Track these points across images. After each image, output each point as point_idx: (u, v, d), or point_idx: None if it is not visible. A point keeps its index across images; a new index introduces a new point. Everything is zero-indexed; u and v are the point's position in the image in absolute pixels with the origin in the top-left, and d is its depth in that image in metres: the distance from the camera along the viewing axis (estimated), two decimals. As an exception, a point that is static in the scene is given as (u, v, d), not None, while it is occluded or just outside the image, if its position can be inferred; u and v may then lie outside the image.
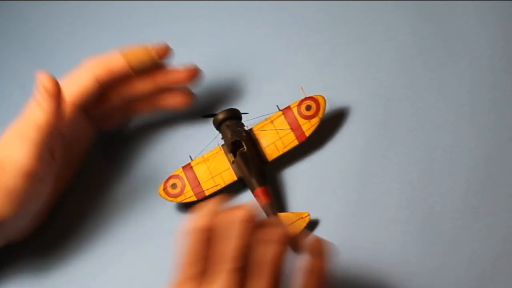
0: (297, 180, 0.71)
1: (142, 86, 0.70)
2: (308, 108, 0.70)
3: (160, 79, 0.70)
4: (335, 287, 0.67)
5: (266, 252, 0.55)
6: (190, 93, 0.71)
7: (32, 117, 0.64)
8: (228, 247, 0.54)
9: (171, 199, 0.70)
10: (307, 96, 0.71)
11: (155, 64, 0.69)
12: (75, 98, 0.67)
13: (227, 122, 0.70)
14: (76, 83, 0.67)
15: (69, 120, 0.68)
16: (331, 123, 0.72)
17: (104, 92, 0.70)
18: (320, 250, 0.58)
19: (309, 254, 0.58)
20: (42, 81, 0.63)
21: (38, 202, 0.65)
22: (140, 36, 0.77)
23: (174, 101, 0.71)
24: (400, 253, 0.68)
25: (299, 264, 0.59)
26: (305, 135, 0.70)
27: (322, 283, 0.57)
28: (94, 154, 0.74)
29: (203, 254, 0.55)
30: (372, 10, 0.76)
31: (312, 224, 0.69)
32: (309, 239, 0.58)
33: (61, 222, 0.72)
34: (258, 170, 0.69)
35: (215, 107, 0.72)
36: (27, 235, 0.69)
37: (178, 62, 0.76)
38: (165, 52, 0.69)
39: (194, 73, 0.70)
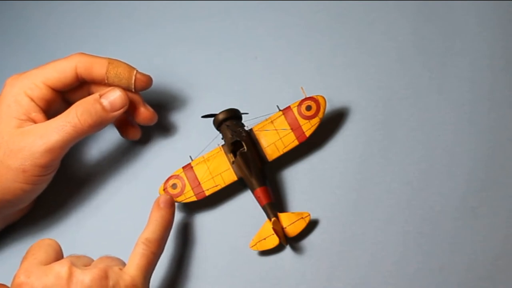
0: (297, 180, 0.71)
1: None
2: (309, 108, 0.70)
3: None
4: (335, 287, 0.68)
5: None
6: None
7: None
8: None
9: (171, 199, 0.70)
10: (307, 96, 0.71)
11: (128, 88, 0.70)
12: (53, 80, 0.68)
13: (227, 122, 0.70)
14: (58, 67, 0.68)
15: (47, 98, 0.68)
16: (331, 123, 0.72)
17: (81, 86, 0.70)
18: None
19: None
20: None
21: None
22: (140, 36, 0.77)
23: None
24: (400, 253, 0.68)
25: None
26: (305, 135, 0.70)
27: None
28: (94, 155, 0.74)
29: None
30: (372, 10, 0.76)
31: (312, 224, 0.69)
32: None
33: (59, 222, 0.72)
34: (258, 170, 0.69)
35: (215, 108, 0.72)
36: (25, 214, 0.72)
37: (179, 62, 0.76)
38: (144, 83, 0.70)
39: (151, 118, 0.71)
